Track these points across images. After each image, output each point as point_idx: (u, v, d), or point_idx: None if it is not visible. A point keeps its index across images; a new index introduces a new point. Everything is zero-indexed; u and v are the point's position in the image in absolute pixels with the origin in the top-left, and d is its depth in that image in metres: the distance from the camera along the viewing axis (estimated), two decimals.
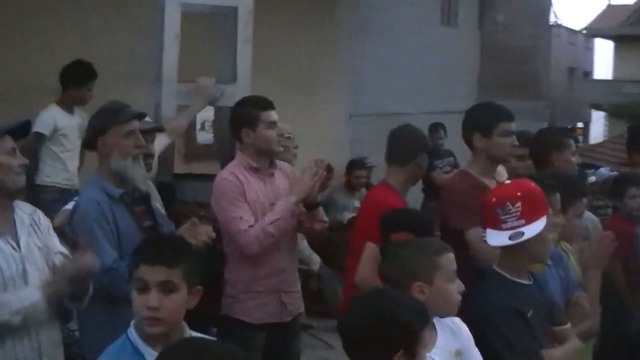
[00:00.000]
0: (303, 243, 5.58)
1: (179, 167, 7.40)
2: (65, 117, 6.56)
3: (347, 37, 10.32)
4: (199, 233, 3.96)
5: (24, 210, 3.61)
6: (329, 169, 8.86)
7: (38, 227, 3.63)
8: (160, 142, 5.33)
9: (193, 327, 2.92)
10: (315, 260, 5.52)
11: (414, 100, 11.41)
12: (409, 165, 4.79)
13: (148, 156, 4.77)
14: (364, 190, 9.57)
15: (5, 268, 3.39)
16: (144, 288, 2.76)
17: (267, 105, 4.67)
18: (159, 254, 2.81)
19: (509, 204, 3.49)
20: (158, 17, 5.67)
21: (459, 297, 3.23)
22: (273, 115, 4.64)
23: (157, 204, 4.89)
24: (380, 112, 11.04)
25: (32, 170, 6.49)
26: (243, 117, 4.65)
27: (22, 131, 3.65)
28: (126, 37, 6.84)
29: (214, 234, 4.08)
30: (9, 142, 3.50)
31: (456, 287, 3.22)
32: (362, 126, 11.02)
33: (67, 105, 6.64)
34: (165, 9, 5.62)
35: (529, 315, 3.42)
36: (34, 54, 6.60)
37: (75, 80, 6.59)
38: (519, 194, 3.52)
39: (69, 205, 4.30)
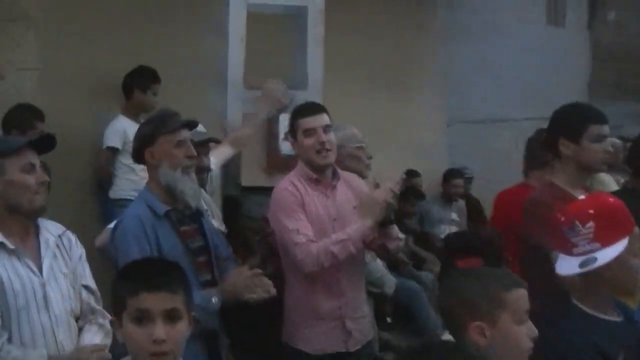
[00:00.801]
0: (375, 264, 5.07)
1: (260, 180, 7.07)
2: (134, 126, 6.21)
3: (440, 40, 9.80)
4: (258, 287, 3.75)
5: (50, 231, 3.42)
6: (415, 174, 8.40)
7: (66, 250, 3.44)
8: (222, 154, 5.06)
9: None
10: (390, 283, 5.01)
11: (517, 105, 10.89)
12: (547, 167, 4.73)
13: (202, 170, 4.46)
14: (461, 202, 9.06)
15: (20, 293, 3.19)
16: (145, 318, 2.44)
17: (307, 111, 4.20)
18: (161, 278, 2.49)
19: (578, 223, 2.91)
20: (223, 18, 5.36)
21: (530, 344, 2.64)
22: (312, 121, 4.14)
23: (216, 221, 4.56)
24: (480, 119, 10.52)
25: (106, 185, 6.27)
26: (289, 129, 4.26)
27: (47, 145, 3.43)
28: (193, 40, 6.53)
29: (274, 290, 3.81)
30: (25, 158, 3.31)
31: (527, 331, 2.63)
32: (460, 133, 10.46)
33: (133, 113, 6.31)
34: (229, 9, 5.33)
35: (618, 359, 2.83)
36: (100, 59, 6.34)
37: (139, 84, 6.32)
38: (591, 211, 2.93)
39: (113, 224, 3.98)
